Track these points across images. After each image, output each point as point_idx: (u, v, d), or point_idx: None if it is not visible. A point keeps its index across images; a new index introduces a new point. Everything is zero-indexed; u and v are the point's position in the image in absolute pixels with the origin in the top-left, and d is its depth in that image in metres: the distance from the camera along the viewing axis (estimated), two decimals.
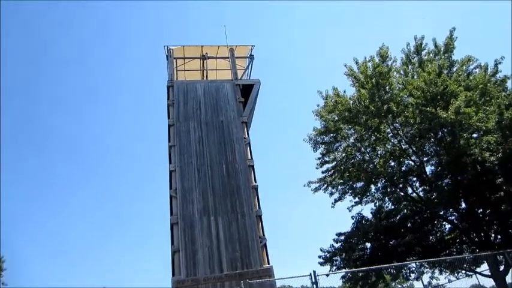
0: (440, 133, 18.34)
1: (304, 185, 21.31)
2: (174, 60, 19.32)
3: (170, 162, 16.38)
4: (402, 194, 20.23)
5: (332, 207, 20.67)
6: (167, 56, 19.03)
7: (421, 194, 20.01)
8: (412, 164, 19.97)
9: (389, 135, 19.91)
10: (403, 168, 20.17)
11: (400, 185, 20.40)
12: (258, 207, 16.00)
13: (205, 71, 20.65)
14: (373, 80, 18.71)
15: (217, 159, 16.64)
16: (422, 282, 17.24)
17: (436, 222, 19.91)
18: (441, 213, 19.08)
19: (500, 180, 17.15)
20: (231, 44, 19.85)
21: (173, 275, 13.98)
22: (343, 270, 18.57)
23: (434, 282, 18.04)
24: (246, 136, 17.45)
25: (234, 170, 16.54)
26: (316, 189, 21.10)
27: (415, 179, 20.25)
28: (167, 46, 19.04)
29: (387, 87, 19.14)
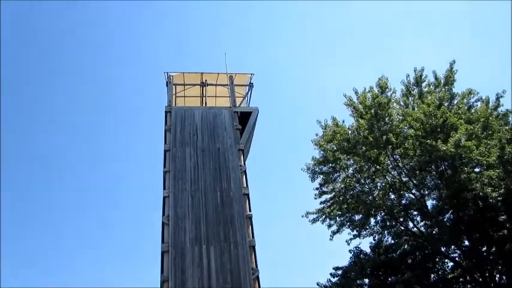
0: (441, 166, 17.99)
1: (302, 216, 20.84)
2: (174, 87, 19.36)
3: (164, 188, 16.07)
4: (403, 228, 19.67)
5: (330, 239, 20.16)
6: (167, 82, 19.10)
7: (422, 228, 19.44)
8: (413, 197, 19.50)
9: (389, 167, 19.58)
10: (404, 202, 19.70)
11: (401, 219, 19.88)
12: (251, 237, 15.49)
13: (204, 98, 20.68)
14: (372, 111, 18.58)
15: (212, 186, 16.29)
16: None
17: (437, 259, 19.20)
18: (443, 249, 18.41)
19: (503, 217, 16.62)
20: (231, 71, 19.93)
21: None
22: None
23: None
24: (242, 164, 17.15)
25: (229, 197, 16.14)
26: (314, 220, 20.59)
27: (415, 212, 19.74)
28: (167, 72, 19.14)
29: (386, 119, 18.97)
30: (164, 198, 15.79)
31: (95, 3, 47.57)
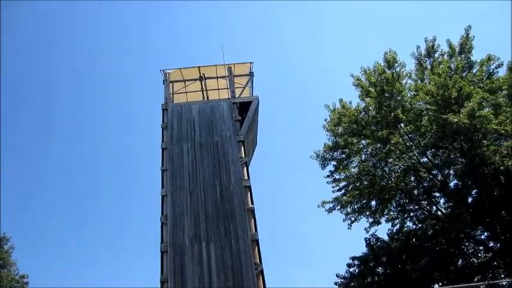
0: (458, 141, 16.41)
1: (318, 206, 19.90)
2: (171, 84, 19.05)
3: (162, 187, 15.82)
4: (426, 211, 18.23)
5: (349, 228, 19.13)
6: (164, 80, 18.84)
7: (446, 211, 17.90)
8: (433, 178, 17.99)
9: (404, 147, 18.15)
10: (425, 184, 18.24)
11: (424, 202, 18.45)
12: (254, 231, 14.87)
13: (205, 92, 20.23)
14: (378, 88, 17.26)
15: (211, 181, 15.81)
16: None
17: (465, 242, 17.55)
18: (468, 231, 16.80)
19: None
20: (229, 62, 19.34)
21: None
22: None
23: None
24: (243, 155, 16.51)
25: (228, 192, 15.60)
26: (330, 210, 19.63)
27: (438, 194, 18.22)
28: (163, 70, 18.87)
29: (396, 96, 17.56)
30: (162, 197, 15.52)
31: (87, 5, 47.97)
